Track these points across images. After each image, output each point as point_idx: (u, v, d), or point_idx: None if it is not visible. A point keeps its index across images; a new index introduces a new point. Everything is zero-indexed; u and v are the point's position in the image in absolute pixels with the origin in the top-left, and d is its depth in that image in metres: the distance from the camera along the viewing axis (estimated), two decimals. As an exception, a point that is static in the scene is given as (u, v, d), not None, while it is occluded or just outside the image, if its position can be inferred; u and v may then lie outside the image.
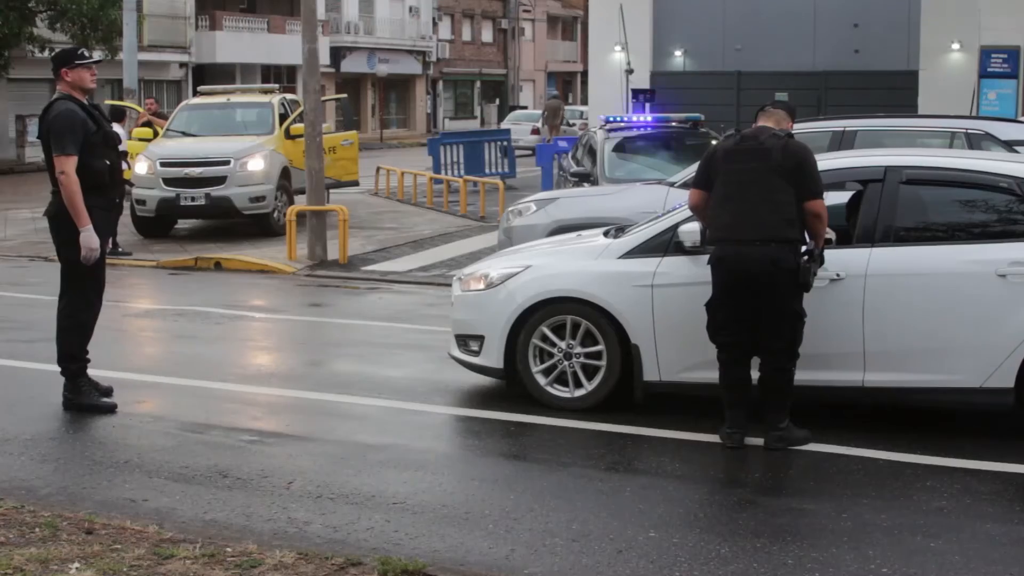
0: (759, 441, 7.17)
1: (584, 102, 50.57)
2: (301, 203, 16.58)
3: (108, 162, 7.88)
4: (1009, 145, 10.69)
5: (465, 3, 67.94)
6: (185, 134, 19.53)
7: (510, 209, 12.57)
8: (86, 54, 8.01)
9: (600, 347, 7.86)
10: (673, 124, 14.99)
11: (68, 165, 7.63)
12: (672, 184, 11.19)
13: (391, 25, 60.35)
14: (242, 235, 18.05)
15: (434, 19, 64.10)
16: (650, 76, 27.71)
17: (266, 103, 20.04)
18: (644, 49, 27.80)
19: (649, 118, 15.95)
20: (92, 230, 7.70)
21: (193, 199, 17.72)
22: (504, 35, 71.23)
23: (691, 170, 10.86)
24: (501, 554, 5.48)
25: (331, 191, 19.37)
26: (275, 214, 18.18)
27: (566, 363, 7.95)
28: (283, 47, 48.42)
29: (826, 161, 7.72)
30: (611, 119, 15.03)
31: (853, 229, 7.67)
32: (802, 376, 7.21)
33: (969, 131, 11.04)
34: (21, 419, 7.73)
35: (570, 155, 16.47)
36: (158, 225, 18.41)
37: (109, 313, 8.69)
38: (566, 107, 58.80)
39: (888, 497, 6.29)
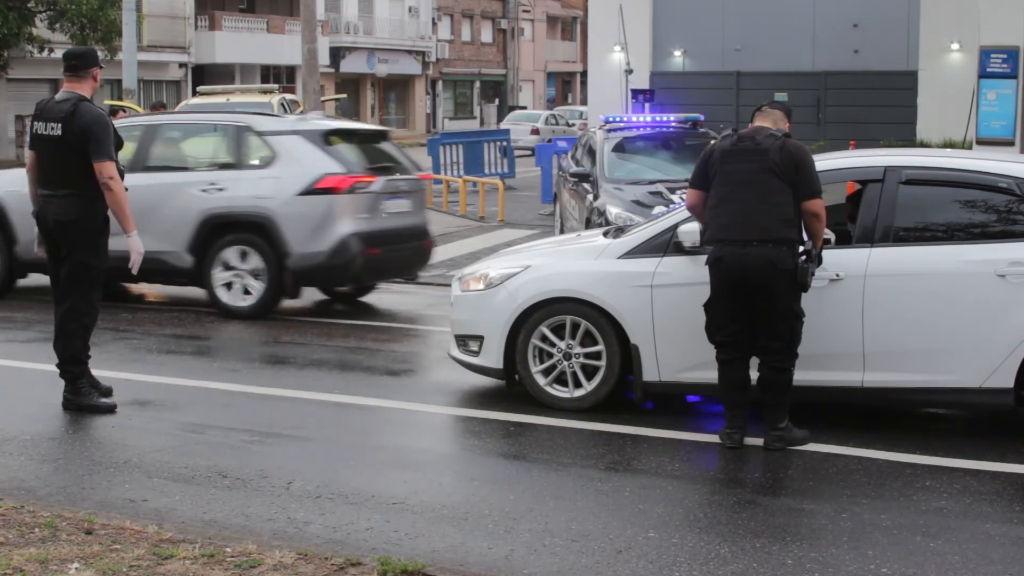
0: (759, 441, 7.17)
1: (584, 102, 50.58)
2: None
3: (120, 166, 7.90)
4: (261, 136, 11.25)
5: (464, 3, 67.94)
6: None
7: None
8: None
9: (599, 347, 7.86)
10: (673, 124, 15.03)
11: (113, 170, 7.61)
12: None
13: (390, 25, 60.36)
14: (242, 235, 17.99)
15: (433, 19, 64.10)
16: (650, 76, 27.69)
17: (266, 103, 20.07)
18: (644, 49, 27.78)
19: (649, 118, 15.97)
20: (137, 235, 7.70)
21: (193, 199, 17.68)
22: (503, 35, 71.24)
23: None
24: (501, 554, 5.48)
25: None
26: (274, 214, 18.15)
27: (566, 363, 7.95)
28: (283, 47, 48.45)
29: (826, 161, 7.73)
30: (610, 119, 15.06)
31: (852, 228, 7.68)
32: (802, 376, 7.22)
33: (235, 124, 11.57)
34: (21, 419, 7.73)
35: (569, 155, 16.48)
36: (157, 225, 18.39)
37: (109, 313, 8.68)
38: (566, 107, 58.88)
39: (887, 497, 6.29)
